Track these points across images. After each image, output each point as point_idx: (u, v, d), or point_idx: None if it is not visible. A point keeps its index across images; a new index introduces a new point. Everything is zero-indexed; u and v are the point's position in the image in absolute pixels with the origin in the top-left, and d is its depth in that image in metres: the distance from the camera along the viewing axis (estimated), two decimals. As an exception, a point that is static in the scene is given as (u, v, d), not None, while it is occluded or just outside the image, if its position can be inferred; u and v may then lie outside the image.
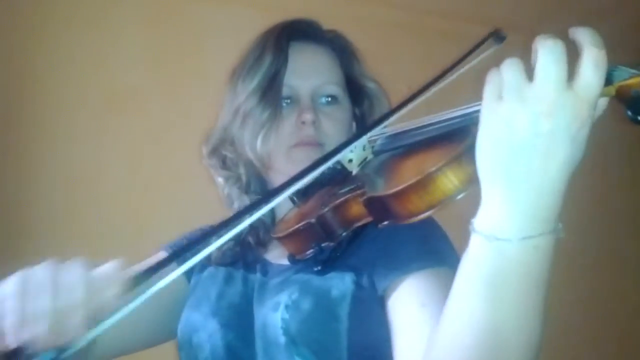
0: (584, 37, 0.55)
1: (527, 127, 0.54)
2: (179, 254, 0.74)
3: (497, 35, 0.92)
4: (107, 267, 0.65)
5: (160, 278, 0.69)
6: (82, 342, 0.63)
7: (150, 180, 1.90)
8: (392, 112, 0.85)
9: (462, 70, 0.89)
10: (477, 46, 0.90)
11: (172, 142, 1.89)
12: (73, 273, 0.63)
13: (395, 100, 0.87)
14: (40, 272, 0.63)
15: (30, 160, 1.81)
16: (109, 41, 1.90)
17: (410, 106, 0.84)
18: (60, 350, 0.62)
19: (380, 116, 0.89)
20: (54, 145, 1.83)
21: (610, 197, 2.50)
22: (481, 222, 0.59)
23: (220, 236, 0.72)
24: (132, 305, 0.66)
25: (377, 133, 0.86)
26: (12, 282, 0.62)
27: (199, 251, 0.71)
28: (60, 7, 1.85)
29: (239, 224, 0.74)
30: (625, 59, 0.57)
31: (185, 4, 1.99)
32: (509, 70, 0.57)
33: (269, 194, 0.78)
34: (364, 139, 0.85)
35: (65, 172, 1.82)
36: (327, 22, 1.11)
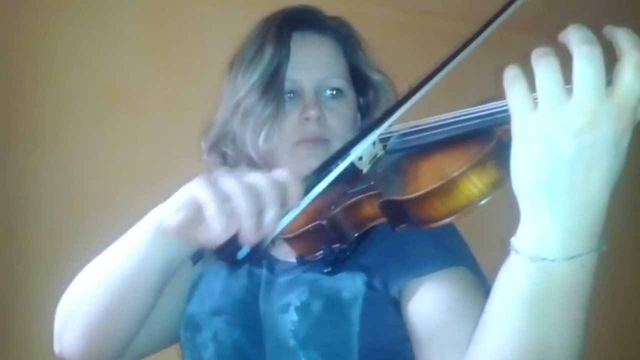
0: (623, 38, 0.52)
1: (570, 144, 0.51)
2: (343, 152, 0.78)
3: None
4: (281, 171, 0.70)
5: (325, 177, 0.75)
6: (273, 235, 0.72)
7: (150, 180, 1.89)
8: (402, 102, 0.79)
9: (490, 30, 0.78)
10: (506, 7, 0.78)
11: (172, 142, 1.88)
12: (256, 176, 0.68)
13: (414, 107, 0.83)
14: (226, 178, 0.67)
15: (30, 160, 1.80)
16: (109, 41, 1.89)
17: (424, 91, 0.78)
18: (257, 244, 0.69)
19: (390, 107, 0.84)
20: (54, 145, 1.82)
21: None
22: (522, 241, 0.56)
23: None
24: (307, 200, 0.73)
25: (389, 129, 0.82)
26: (204, 188, 0.66)
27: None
28: (60, 7, 1.84)
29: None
30: None
31: (185, 4, 1.98)
32: (545, 75, 0.52)
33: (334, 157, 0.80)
34: (374, 135, 0.80)
35: (65, 171, 1.81)
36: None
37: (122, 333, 0.87)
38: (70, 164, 1.83)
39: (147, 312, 0.87)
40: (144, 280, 0.82)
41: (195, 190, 0.68)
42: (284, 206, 0.69)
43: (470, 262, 0.85)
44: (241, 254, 0.71)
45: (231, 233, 0.66)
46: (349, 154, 0.78)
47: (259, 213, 0.66)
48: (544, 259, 0.55)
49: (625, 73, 0.51)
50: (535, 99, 0.54)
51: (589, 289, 0.57)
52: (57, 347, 0.90)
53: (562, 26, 0.54)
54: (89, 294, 0.86)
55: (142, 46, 1.93)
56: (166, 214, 0.74)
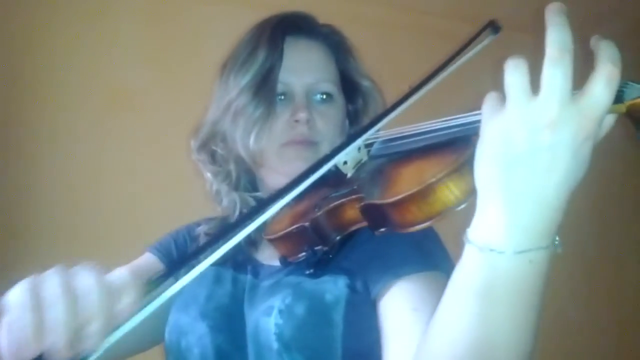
0: (603, 50, 0.52)
1: (527, 140, 0.53)
2: (190, 259, 0.72)
3: (493, 26, 0.90)
4: (120, 272, 0.62)
5: (172, 283, 0.67)
6: (99, 351, 0.60)
7: (151, 180, 1.89)
8: (388, 112, 0.82)
9: (459, 63, 0.87)
10: (474, 38, 0.89)
11: (172, 142, 1.88)
12: (86, 279, 0.59)
13: (394, 101, 0.85)
14: (51, 280, 0.58)
15: (30, 160, 1.81)
16: (109, 41, 1.90)
17: (406, 104, 0.82)
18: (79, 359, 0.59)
19: (376, 116, 0.86)
20: (54, 145, 1.83)
21: (610, 197, 2.50)
22: (476, 232, 0.58)
23: (219, 246, 0.70)
24: (147, 310, 0.64)
25: (374, 135, 0.84)
26: (22, 292, 0.58)
27: (212, 251, 0.69)
28: (60, 8, 1.85)
29: (238, 232, 0.71)
30: (625, 61, 0.56)
31: (185, 4, 1.99)
32: (513, 76, 0.54)
33: (265, 202, 0.75)
34: (359, 141, 0.82)
35: (65, 171, 1.82)
36: (327, 22, 1.10)
37: None
38: (70, 163, 1.83)
39: None
40: None
41: (13, 294, 0.58)
42: (113, 317, 0.59)
43: (447, 266, 0.85)
44: None
45: (44, 345, 0.56)
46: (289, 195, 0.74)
47: (80, 325, 0.57)
48: (492, 250, 0.56)
49: (596, 84, 0.52)
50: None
51: (540, 291, 0.57)
52: None
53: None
54: None
55: (141, 46, 1.94)
56: None
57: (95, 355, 0.60)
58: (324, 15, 1.09)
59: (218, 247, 0.70)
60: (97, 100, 1.87)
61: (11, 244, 1.73)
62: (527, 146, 0.53)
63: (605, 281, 2.46)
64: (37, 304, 0.57)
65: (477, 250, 0.57)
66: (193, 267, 0.69)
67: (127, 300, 0.60)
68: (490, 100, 0.58)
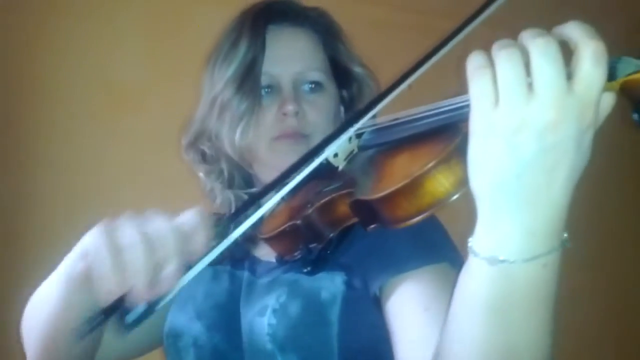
0: (575, 30, 0.48)
1: (533, 144, 0.48)
2: (256, 199, 0.73)
3: None
4: (190, 215, 0.64)
5: (238, 226, 0.68)
6: (174, 291, 0.62)
7: (151, 180, 1.89)
8: (381, 98, 0.74)
9: (465, 32, 0.75)
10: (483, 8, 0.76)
11: (172, 141, 1.88)
12: (159, 223, 0.61)
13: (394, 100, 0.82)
14: (127, 225, 0.60)
15: (30, 159, 1.80)
16: (109, 41, 1.89)
17: (401, 88, 0.73)
18: (154, 301, 0.62)
19: (368, 103, 0.79)
20: (54, 145, 1.83)
21: (610, 196, 2.49)
22: (481, 243, 0.53)
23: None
24: (217, 251, 0.65)
25: (367, 123, 0.78)
26: (100, 237, 0.60)
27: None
28: (60, 8, 1.84)
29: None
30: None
31: (185, 4, 1.98)
32: (507, 69, 0.48)
33: (256, 196, 0.74)
34: (351, 131, 0.76)
35: (64, 171, 1.82)
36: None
37: None
38: (70, 163, 1.83)
39: (89, 349, 0.85)
40: (71, 324, 0.74)
41: (90, 240, 0.62)
42: (188, 257, 0.62)
43: (453, 256, 0.81)
44: (131, 317, 0.62)
45: (126, 289, 0.59)
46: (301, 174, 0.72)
47: (158, 267, 0.59)
48: (503, 261, 0.52)
49: (584, 64, 0.47)
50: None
51: (554, 289, 0.54)
52: None
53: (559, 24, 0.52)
54: (31, 332, 0.85)
55: (142, 46, 1.93)
56: (69, 264, 0.70)
57: (169, 297, 0.63)
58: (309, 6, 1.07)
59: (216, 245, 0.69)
60: (97, 100, 1.86)
61: (10, 244, 1.73)
62: (535, 149, 0.48)
63: (604, 279, 2.46)
64: (116, 248, 0.59)
65: (486, 263, 0.53)
66: (257, 209, 0.70)
67: (199, 240, 0.62)
68: (477, 76, 0.50)
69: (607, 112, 0.51)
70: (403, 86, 0.74)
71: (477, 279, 0.54)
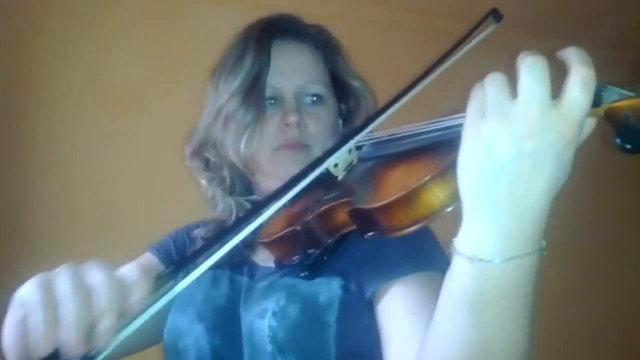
0: (572, 55, 0.53)
1: (510, 148, 0.53)
2: (197, 255, 0.72)
3: (495, 14, 0.89)
4: (129, 268, 0.63)
5: (181, 279, 0.68)
6: (110, 347, 0.61)
7: (150, 181, 1.89)
8: (381, 112, 0.81)
9: (461, 54, 0.85)
10: (475, 27, 0.87)
11: (171, 142, 1.88)
12: (97, 275, 0.60)
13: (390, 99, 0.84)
14: (62, 277, 0.59)
15: (30, 160, 1.80)
16: (109, 41, 1.89)
17: (402, 102, 0.81)
18: (88, 356, 0.60)
19: (369, 117, 0.85)
20: (54, 145, 1.83)
21: (610, 196, 2.50)
22: (463, 242, 0.58)
23: (217, 249, 0.71)
24: (156, 306, 0.64)
25: (365, 137, 0.83)
26: (33, 289, 0.58)
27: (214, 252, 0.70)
28: (60, 8, 1.85)
29: (237, 234, 0.72)
30: (625, 58, 0.56)
31: (185, 4, 1.98)
32: (492, 87, 0.55)
33: (260, 204, 0.74)
34: (351, 143, 0.82)
35: (65, 172, 1.82)
36: (327, 23, 1.09)
37: None
38: (70, 164, 1.83)
39: None
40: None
41: (27, 291, 0.59)
42: (124, 313, 0.60)
43: (443, 266, 0.84)
44: None
45: (58, 342, 0.57)
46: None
47: (92, 321, 0.58)
48: (481, 260, 0.56)
49: (573, 87, 0.51)
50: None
51: (531, 293, 0.58)
52: None
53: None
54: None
55: (141, 47, 1.94)
56: (11, 311, 0.65)
57: (106, 352, 0.61)
58: (323, 15, 1.09)
59: (216, 250, 0.70)
60: (96, 101, 1.87)
61: (11, 244, 1.73)
62: (510, 154, 0.53)
63: (603, 279, 2.46)
64: (49, 300, 0.57)
65: (466, 261, 0.57)
66: (199, 264, 0.70)
67: (137, 295, 0.61)
68: (474, 100, 0.57)
69: (587, 134, 0.56)
70: (401, 103, 0.80)
71: (458, 276, 0.59)
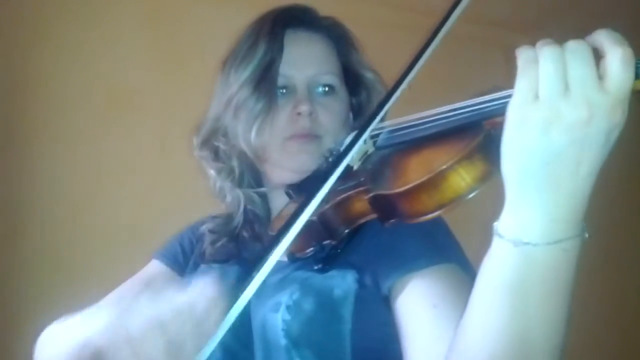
0: (604, 37, 0.53)
1: (566, 137, 0.53)
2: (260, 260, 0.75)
3: None
4: (202, 290, 0.65)
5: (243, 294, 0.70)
6: None
7: (151, 179, 1.89)
8: (387, 98, 0.79)
9: (447, 29, 0.84)
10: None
11: (172, 141, 1.88)
12: (173, 307, 0.62)
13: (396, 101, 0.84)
14: (140, 313, 0.62)
15: (30, 160, 1.80)
16: (109, 41, 1.89)
17: (403, 86, 0.79)
18: None
19: (377, 105, 0.83)
20: (54, 145, 1.83)
21: (610, 195, 2.50)
22: (506, 226, 0.58)
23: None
24: (227, 325, 0.67)
25: (380, 125, 0.82)
26: (115, 329, 0.62)
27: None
28: (61, 8, 1.85)
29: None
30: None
31: (185, 4, 1.98)
32: (552, 67, 0.54)
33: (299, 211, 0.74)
34: (366, 134, 0.79)
35: (65, 172, 1.82)
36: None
37: None
38: (71, 164, 1.83)
39: None
40: None
41: (101, 329, 0.64)
42: (202, 337, 0.64)
43: (460, 258, 0.84)
44: None
45: None
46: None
47: (174, 352, 0.61)
48: (526, 243, 0.56)
49: (614, 67, 0.52)
50: None
51: (571, 279, 0.58)
52: None
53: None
54: None
55: (142, 46, 1.94)
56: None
57: None
58: (323, 15, 1.09)
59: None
60: (97, 100, 1.86)
61: (11, 244, 1.72)
62: (565, 142, 0.53)
63: (606, 279, 2.46)
64: (132, 337, 0.61)
65: (509, 244, 0.57)
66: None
67: (213, 319, 0.64)
68: (528, 69, 0.55)
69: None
70: (408, 80, 0.78)
71: (500, 260, 0.58)
